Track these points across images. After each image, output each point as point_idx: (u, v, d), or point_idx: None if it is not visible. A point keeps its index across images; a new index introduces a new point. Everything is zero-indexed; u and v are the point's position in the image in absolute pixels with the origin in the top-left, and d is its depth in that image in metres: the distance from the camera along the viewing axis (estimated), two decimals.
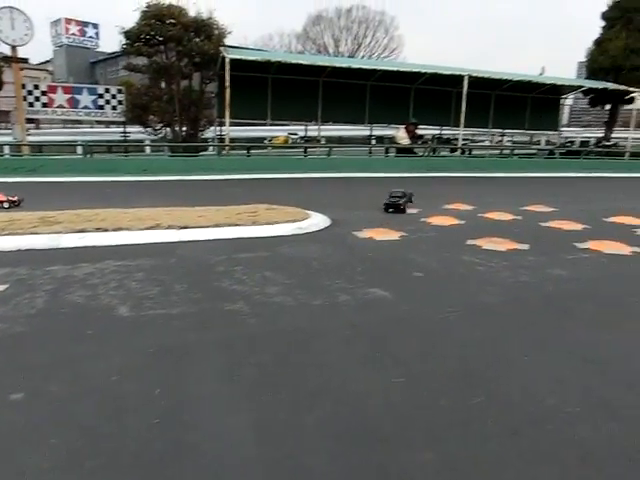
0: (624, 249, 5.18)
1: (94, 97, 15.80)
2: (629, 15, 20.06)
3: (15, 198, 7.26)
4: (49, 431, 1.96)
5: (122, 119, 16.08)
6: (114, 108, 15.86)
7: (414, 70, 16.21)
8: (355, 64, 17.03)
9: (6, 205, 7.10)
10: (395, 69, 16.61)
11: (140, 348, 2.67)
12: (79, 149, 14.87)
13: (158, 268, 4.21)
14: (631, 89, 18.75)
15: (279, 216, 6.10)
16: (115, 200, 7.65)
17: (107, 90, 16.09)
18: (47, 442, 1.90)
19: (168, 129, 15.63)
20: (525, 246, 5.21)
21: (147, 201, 7.41)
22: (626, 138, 20.17)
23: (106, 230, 5.27)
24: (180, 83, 15.13)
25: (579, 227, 6.36)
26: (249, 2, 65.05)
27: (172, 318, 3.09)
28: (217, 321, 3.06)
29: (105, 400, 2.19)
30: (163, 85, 15.27)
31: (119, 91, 15.90)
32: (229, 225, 5.66)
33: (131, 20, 14.36)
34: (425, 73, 16.32)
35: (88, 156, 12.83)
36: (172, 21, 13.83)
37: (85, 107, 15.83)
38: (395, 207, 7.32)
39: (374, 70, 16.49)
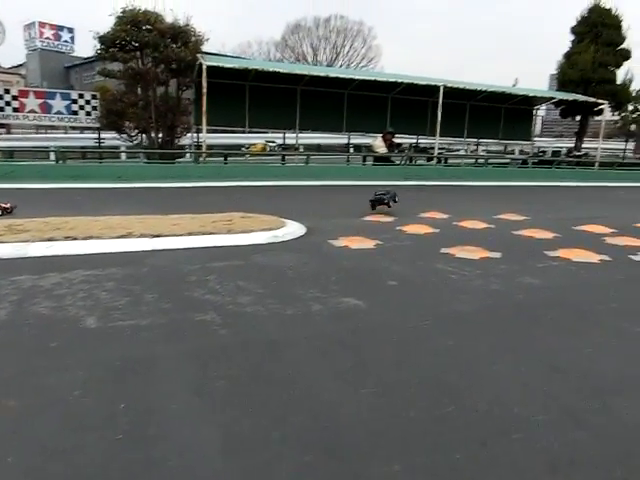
0: (593, 257, 5.31)
1: (67, 102, 15.50)
2: (597, 30, 20.76)
3: (8, 205, 6.95)
4: (7, 448, 1.88)
5: (96, 125, 15.81)
6: (88, 114, 15.59)
7: (390, 80, 16.43)
8: (332, 73, 17.17)
9: None
10: (372, 78, 16.80)
11: (106, 361, 2.60)
12: (52, 155, 14.56)
13: (129, 278, 4.12)
14: (600, 101, 19.37)
15: (254, 224, 6.06)
16: (87, 208, 7.49)
17: (81, 95, 15.81)
18: (4, 461, 1.82)
19: (144, 135, 15.43)
20: (497, 254, 5.28)
21: (120, 209, 7.28)
22: (596, 148, 20.78)
23: (75, 239, 5.14)
24: (156, 89, 14.97)
25: (550, 235, 6.49)
26: (228, 9, 65.09)
27: (141, 329, 3.02)
28: (187, 332, 3.00)
29: (67, 415, 2.12)
30: (139, 91, 15.09)
31: (93, 97, 15.65)
32: (203, 234, 5.59)
33: (107, 25, 14.16)
34: (401, 83, 16.54)
35: (61, 162, 12.56)
36: (148, 27, 13.70)
37: (58, 112, 15.52)
38: (380, 202, 7.96)
39: (351, 79, 16.64)
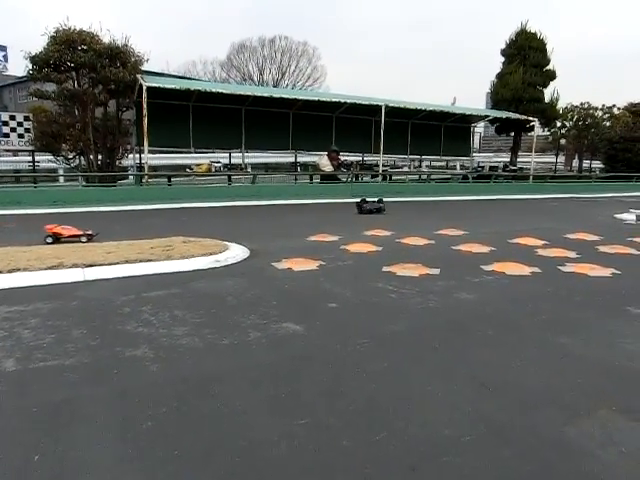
0: (525, 270, 5.55)
1: None
2: (525, 52, 22.18)
3: (90, 232, 6.95)
4: None
5: (30, 148, 15.08)
6: (21, 136, 14.87)
7: (334, 100, 16.76)
8: (276, 93, 17.30)
9: (84, 239, 6.78)
10: (316, 99, 17.07)
11: (22, 407, 2.43)
12: None
13: (56, 312, 3.90)
14: (530, 118, 20.60)
15: (195, 249, 5.93)
16: (17, 236, 7.09)
17: (12, 117, 15.06)
18: None
19: (82, 158, 14.85)
20: (436, 271, 5.43)
21: None
22: (529, 162, 22.00)
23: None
24: (95, 110, 14.50)
25: (486, 250, 6.75)
26: (171, 29, 64.51)
27: (64, 370, 2.84)
28: (115, 370, 2.85)
29: None
30: (76, 112, 14.54)
31: (26, 118, 14.95)
32: (141, 261, 5.40)
33: (41, 44, 13.59)
34: (345, 103, 16.90)
35: None
36: (84, 47, 13.29)
37: None
38: (369, 210, 10.22)
39: (295, 99, 16.83)
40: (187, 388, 2.66)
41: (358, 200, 10.63)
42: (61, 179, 18.49)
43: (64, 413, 2.40)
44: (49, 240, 6.62)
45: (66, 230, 6.83)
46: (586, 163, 29.83)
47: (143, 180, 14.20)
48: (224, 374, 2.84)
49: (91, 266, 5.15)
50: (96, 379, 2.75)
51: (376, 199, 10.79)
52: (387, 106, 16.32)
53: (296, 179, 17.89)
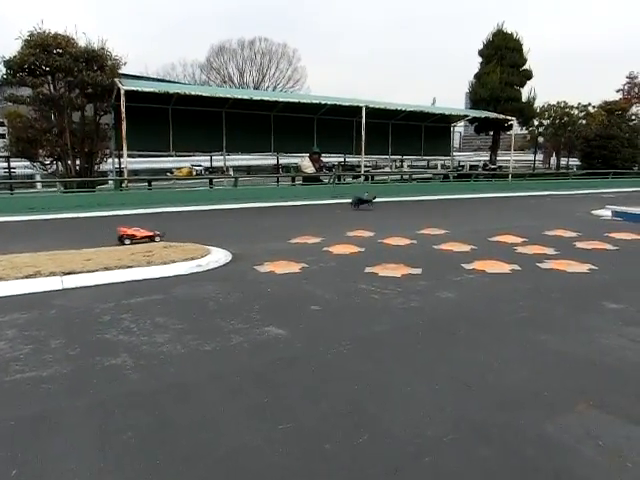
0: (504, 268, 5.63)
1: None
2: (501, 52, 22.50)
3: (159, 232, 7.39)
4: None
5: (5, 154, 14.76)
6: None
7: (314, 101, 16.76)
8: (256, 96, 17.23)
9: (157, 240, 7.22)
10: (296, 100, 17.06)
11: None
12: None
13: (34, 322, 3.82)
14: (509, 117, 20.91)
15: (176, 254, 5.87)
16: None
17: None
18: None
19: (60, 163, 14.59)
20: (418, 270, 5.47)
21: (30, 244, 6.80)
22: (508, 161, 22.32)
23: None
24: (72, 115, 14.26)
25: (467, 248, 6.83)
26: (149, 31, 63.71)
27: (42, 381, 2.79)
28: (94, 380, 2.81)
29: None
30: (53, 117, 14.28)
31: (0, 124, 14.63)
32: (121, 267, 5.33)
33: (15, 48, 13.33)
34: (325, 104, 16.93)
35: None
36: (59, 51, 13.06)
37: None
38: (362, 201, 11.90)
39: (276, 101, 16.80)
40: (168, 396, 2.63)
41: (353, 199, 12.26)
42: (38, 185, 18.14)
43: (42, 426, 2.35)
44: (127, 242, 7.03)
45: (139, 232, 7.28)
46: (564, 161, 30.38)
47: (123, 185, 14.02)
48: (206, 381, 2.81)
49: (69, 274, 5.06)
50: (75, 390, 2.70)
51: (365, 194, 12.38)
52: (368, 107, 16.39)
53: (278, 181, 17.86)
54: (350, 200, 12.32)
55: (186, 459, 2.08)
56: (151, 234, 7.28)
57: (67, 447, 2.18)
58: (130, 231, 7.25)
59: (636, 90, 26.62)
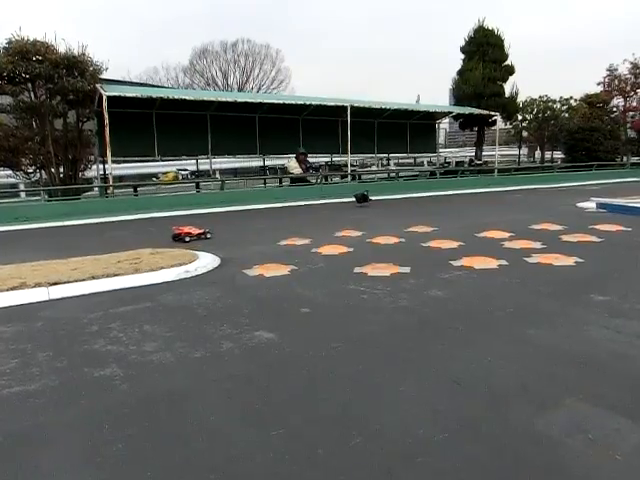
0: (492, 263, 5.67)
1: None
2: (483, 49, 22.69)
3: (207, 230, 8.14)
4: None
5: None
6: None
7: (299, 102, 16.76)
8: (241, 98, 17.18)
9: (209, 236, 8.04)
10: (281, 102, 17.04)
11: None
12: None
13: (20, 335, 3.77)
14: (492, 113, 21.08)
15: (164, 261, 5.83)
16: None
17: None
18: None
19: (43, 171, 14.40)
20: (407, 269, 5.49)
21: (15, 255, 6.72)
22: (494, 156, 22.51)
23: None
24: (54, 122, 14.09)
25: (455, 245, 6.87)
26: (130, 35, 63.12)
27: (29, 395, 2.75)
28: (83, 392, 2.77)
29: None
30: (35, 125, 14.09)
31: None
32: (108, 276, 5.27)
33: None
34: (310, 105, 16.92)
35: None
36: (39, 58, 12.89)
37: None
38: (365, 198, 12.79)
39: (260, 103, 16.76)
40: (159, 406, 2.60)
41: (357, 196, 12.98)
42: (22, 194, 17.89)
43: (30, 441, 2.31)
44: (187, 239, 7.78)
45: (193, 230, 8.01)
46: (548, 154, 30.70)
47: (108, 191, 13.88)
48: (197, 388, 2.79)
49: (56, 284, 4.99)
50: (63, 403, 2.67)
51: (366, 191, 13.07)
52: (353, 106, 16.42)
53: (265, 183, 17.81)
54: (354, 198, 13.09)
55: (179, 468, 2.06)
56: (202, 231, 8.01)
57: (56, 461, 2.15)
58: (186, 229, 7.95)
59: (616, 82, 26.95)
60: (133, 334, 3.70)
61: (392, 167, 22.57)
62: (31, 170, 14.57)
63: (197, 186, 16.07)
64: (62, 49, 13.62)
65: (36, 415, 2.55)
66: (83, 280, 5.14)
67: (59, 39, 20.04)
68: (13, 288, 4.85)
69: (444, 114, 22.34)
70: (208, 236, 8.01)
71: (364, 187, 15.89)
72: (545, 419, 2.34)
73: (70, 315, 4.23)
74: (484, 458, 2.07)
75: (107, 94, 12.63)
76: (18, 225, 10.74)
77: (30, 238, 9.29)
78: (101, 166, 15.74)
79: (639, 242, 6.83)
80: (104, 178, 15.18)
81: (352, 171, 18.25)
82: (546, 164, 27.46)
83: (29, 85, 13.46)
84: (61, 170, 14.42)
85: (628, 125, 27.74)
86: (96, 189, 15.95)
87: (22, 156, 14.03)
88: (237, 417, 2.47)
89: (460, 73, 23.56)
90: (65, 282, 5.06)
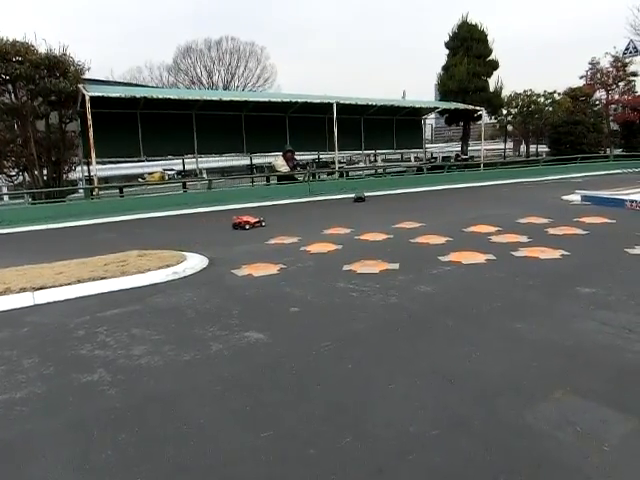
0: (480, 258, 5.71)
1: None
2: (467, 44, 22.79)
3: (262, 218, 9.00)
4: None
5: None
6: None
7: (285, 100, 16.69)
8: (226, 96, 17.04)
9: (264, 224, 8.88)
10: (266, 100, 16.95)
11: None
12: None
13: (5, 342, 3.71)
14: (477, 108, 21.20)
15: (152, 262, 5.77)
16: None
17: None
18: None
19: (26, 174, 14.17)
20: (396, 265, 5.50)
21: None
22: (480, 150, 22.65)
23: None
24: (35, 124, 13.86)
25: (443, 240, 6.90)
26: (113, 35, 62.32)
27: (15, 404, 2.70)
28: (70, 399, 2.74)
29: None
30: (16, 127, 13.85)
31: None
32: (94, 279, 5.21)
33: None
34: (296, 102, 16.86)
35: None
36: (19, 58, 12.66)
37: None
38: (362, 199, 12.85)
39: (246, 101, 16.66)
40: (148, 410, 2.58)
41: (354, 196, 13.19)
42: (5, 198, 17.59)
43: (17, 450, 2.28)
44: (247, 227, 8.71)
45: (251, 219, 8.87)
46: (533, 148, 30.97)
47: (94, 193, 13.70)
48: (186, 391, 2.77)
49: (41, 289, 4.92)
50: (50, 410, 2.63)
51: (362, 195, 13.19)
52: (339, 103, 16.39)
53: (253, 182, 17.73)
54: (353, 196, 13.26)
55: (170, 473, 2.04)
56: (258, 220, 8.90)
57: (44, 470, 2.12)
58: (245, 218, 8.85)
59: (598, 76, 27.27)
60: (121, 338, 3.66)
61: (379, 163, 22.62)
62: (14, 173, 14.34)
63: (184, 186, 15.94)
64: (43, 49, 13.40)
65: (23, 423, 2.51)
66: (69, 284, 5.07)
67: (40, 39, 19.76)
68: None
69: (430, 110, 22.39)
70: (263, 224, 8.74)
71: (352, 184, 15.94)
72: (535, 413, 2.36)
73: (56, 320, 4.17)
74: (476, 454, 2.08)
75: (90, 94, 12.45)
76: (1, 229, 10.56)
77: (14, 242, 9.14)
78: (86, 167, 15.53)
79: (623, 234, 6.92)
80: (89, 180, 14.99)
81: (339, 168, 18.24)
82: (531, 158, 27.72)
83: (9, 86, 13.21)
84: (45, 172, 14.20)
85: (611, 118, 28.08)
86: (81, 191, 15.73)
87: (4, 159, 13.80)
88: (227, 420, 2.45)
89: (445, 69, 23.63)
90: (51, 286, 4.98)
